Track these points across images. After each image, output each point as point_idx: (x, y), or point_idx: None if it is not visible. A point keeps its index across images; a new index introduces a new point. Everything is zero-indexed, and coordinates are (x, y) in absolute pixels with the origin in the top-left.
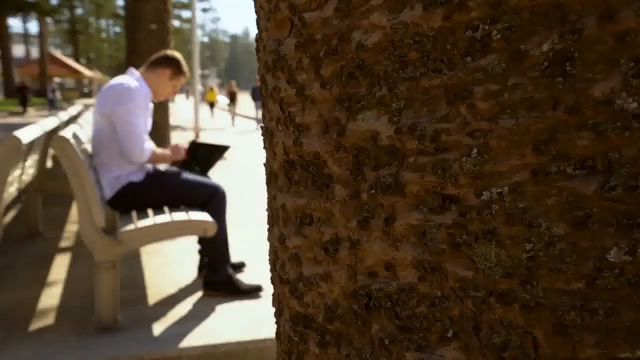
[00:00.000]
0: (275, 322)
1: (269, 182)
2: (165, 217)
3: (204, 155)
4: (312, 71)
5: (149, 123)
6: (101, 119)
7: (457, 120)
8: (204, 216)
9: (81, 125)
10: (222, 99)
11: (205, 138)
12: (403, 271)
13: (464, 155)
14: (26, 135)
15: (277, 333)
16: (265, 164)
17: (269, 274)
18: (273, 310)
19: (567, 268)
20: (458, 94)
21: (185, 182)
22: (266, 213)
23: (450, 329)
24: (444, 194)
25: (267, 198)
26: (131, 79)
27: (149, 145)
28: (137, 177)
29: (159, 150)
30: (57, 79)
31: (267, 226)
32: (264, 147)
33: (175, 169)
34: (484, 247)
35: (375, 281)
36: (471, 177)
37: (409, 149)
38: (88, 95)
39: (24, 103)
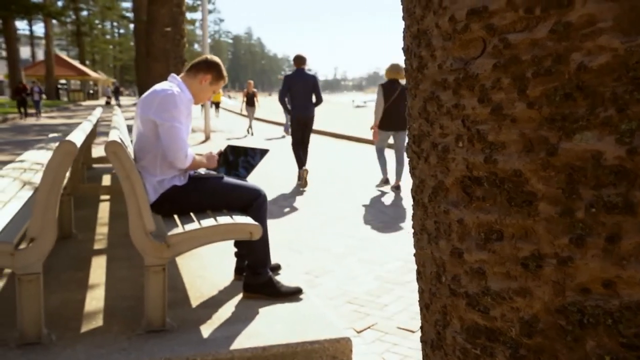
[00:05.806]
0: (436, 333)
1: (433, 197)
2: (211, 221)
3: (244, 159)
4: (514, 91)
5: (189, 128)
6: (144, 124)
7: None
8: (248, 219)
9: (120, 130)
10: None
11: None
12: (627, 289)
13: None
14: (78, 139)
15: (438, 344)
16: (421, 178)
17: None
18: (430, 321)
19: None
20: None
21: (227, 186)
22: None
23: None
24: None
25: (426, 212)
26: (173, 85)
27: (191, 151)
28: (181, 181)
29: (198, 157)
30: (62, 81)
31: (419, 238)
32: (422, 161)
33: (215, 172)
34: None
35: (589, 298)
36: None
37: None
38: (93, 96)
39: (23, 105)
